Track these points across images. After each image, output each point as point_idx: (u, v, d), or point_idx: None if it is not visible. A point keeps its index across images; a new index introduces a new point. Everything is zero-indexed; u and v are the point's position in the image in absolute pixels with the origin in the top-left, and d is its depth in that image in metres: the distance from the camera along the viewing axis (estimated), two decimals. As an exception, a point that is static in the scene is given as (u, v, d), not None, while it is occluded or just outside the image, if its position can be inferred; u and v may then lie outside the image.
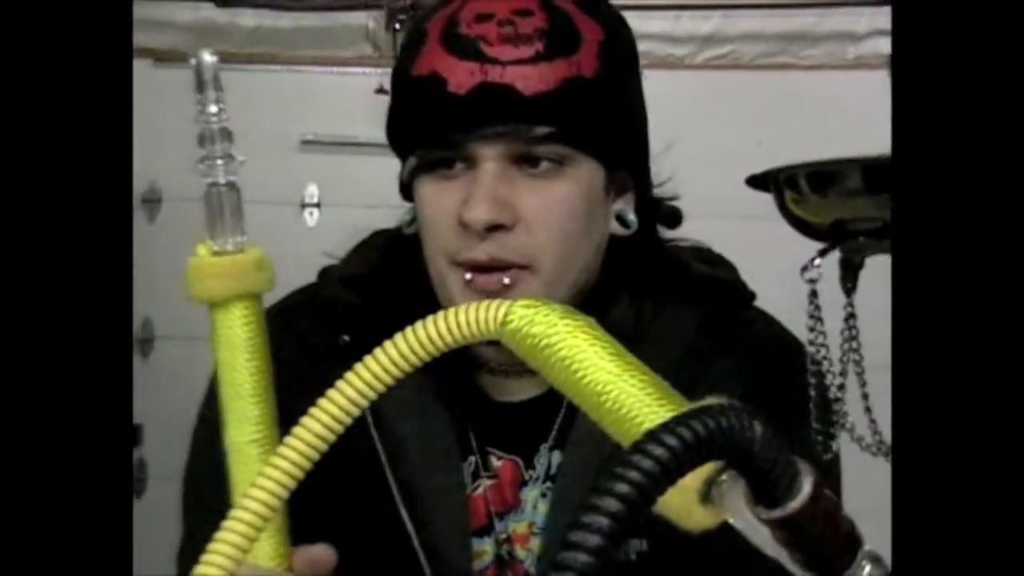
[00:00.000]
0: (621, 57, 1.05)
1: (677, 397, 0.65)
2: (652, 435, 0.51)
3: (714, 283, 1.12)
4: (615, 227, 1.08)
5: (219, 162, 0.84)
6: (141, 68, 4.36)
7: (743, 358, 1.08)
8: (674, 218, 1.13)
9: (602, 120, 1.02)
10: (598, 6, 1.06)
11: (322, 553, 0.90)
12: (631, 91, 1.07)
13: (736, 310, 1.12)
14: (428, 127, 1.01)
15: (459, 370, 1.08)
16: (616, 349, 0.68)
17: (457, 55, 0.99)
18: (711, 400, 0.56)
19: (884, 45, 3.16)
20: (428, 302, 1.00)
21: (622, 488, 0.48)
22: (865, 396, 0.65)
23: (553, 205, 1.00)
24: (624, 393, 0.66)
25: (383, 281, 0.95)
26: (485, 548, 1.08)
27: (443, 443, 1.06)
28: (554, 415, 1.08)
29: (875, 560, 0.57)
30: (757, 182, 0.65)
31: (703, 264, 1.13)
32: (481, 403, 1.10)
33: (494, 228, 0.99)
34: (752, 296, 1.13)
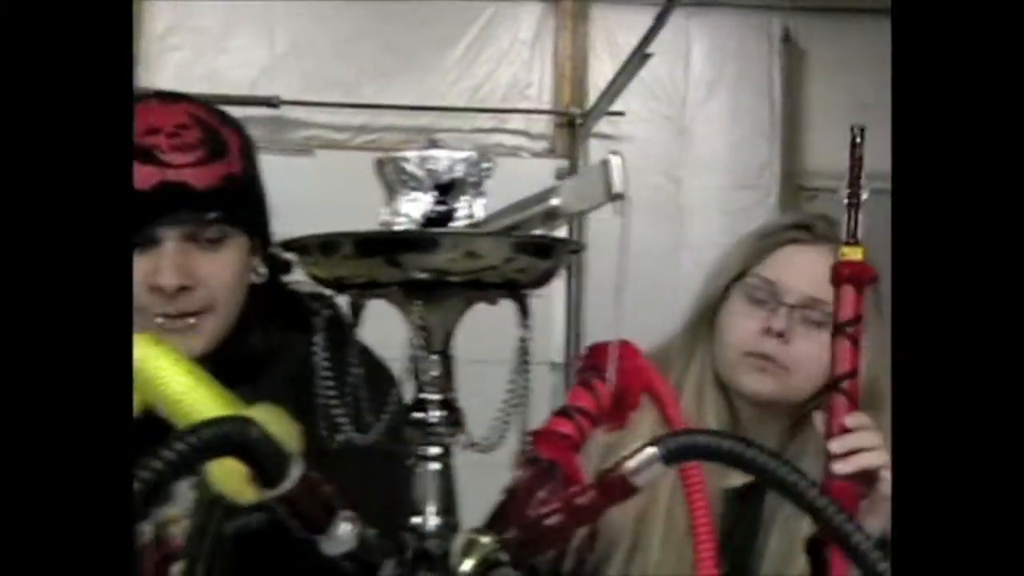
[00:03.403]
0: (254, 155, 1.03)
1: (234, 401, 0.65)
2: (175, 436, 0.51)
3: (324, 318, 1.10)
4: (252, 276, 1.04)
5: None
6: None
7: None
8: (287, 267, 1.10)
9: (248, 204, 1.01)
10: (226, 116, 1.03)
11: None
12: (259, 179, 1.04)
13: (343, 337, 1.10)
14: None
15: None
16: (191, 367, 0.67)
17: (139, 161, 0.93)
18: (255, 410, 0.56)
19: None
20: None
21: (155, 464, 0.50)
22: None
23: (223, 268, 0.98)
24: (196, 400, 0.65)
25: None
26: None
27: None
28: None
29: (350, 519, 0.58)
30: (287, 247, 0.63)
31: (315, 303, 1.11)
32: None
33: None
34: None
